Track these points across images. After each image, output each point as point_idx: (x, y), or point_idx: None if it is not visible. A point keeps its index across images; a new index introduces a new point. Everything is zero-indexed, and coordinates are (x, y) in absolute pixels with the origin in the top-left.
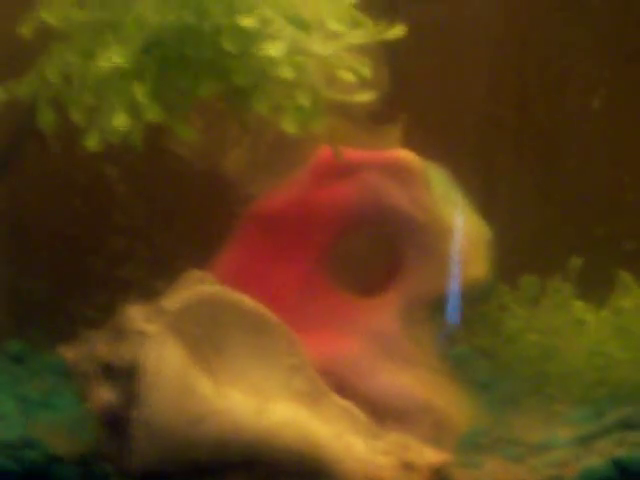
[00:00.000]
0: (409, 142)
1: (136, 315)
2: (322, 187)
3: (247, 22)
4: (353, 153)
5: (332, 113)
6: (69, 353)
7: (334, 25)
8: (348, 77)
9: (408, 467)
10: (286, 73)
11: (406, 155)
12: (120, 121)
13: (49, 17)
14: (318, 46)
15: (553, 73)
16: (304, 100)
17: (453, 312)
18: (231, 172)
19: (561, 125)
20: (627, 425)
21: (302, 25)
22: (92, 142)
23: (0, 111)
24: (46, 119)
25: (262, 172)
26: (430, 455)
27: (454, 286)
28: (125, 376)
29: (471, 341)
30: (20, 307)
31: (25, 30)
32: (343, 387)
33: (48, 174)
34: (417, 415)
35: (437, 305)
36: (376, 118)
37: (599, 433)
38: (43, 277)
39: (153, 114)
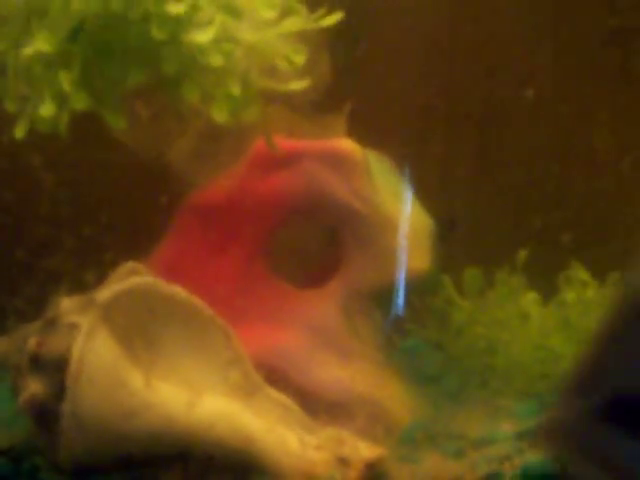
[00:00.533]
0: (352, 131)
1: (67, 307)
2: (260, 177)
3: (176, 9)
4: (292, 143)
5: (273, 102)
6: (0, 346)
7: (265, 12)
8: (281, 65)
9: (342, 462)
10: (215, 60)
11: (346, 145)
12: (47, 110)
13: None
14: (247, 33)
15: (487, 62)
16: (234, 88)
17: (398, 304)
18: (174, 162)
19: (499, 114)
20: None
21: (232, 12)
22: (21, 131)
23: None
24: None
25: (205, 163)
26: (365, 450)
27: (396, 278)
28: (54, 368)
29: (421, 334)
30: None
31: None
32: (279, 380)
33: None
34: (355, 408)
35: (382, 297)
36: (320, 107)
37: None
38: None
39: (80, 103)
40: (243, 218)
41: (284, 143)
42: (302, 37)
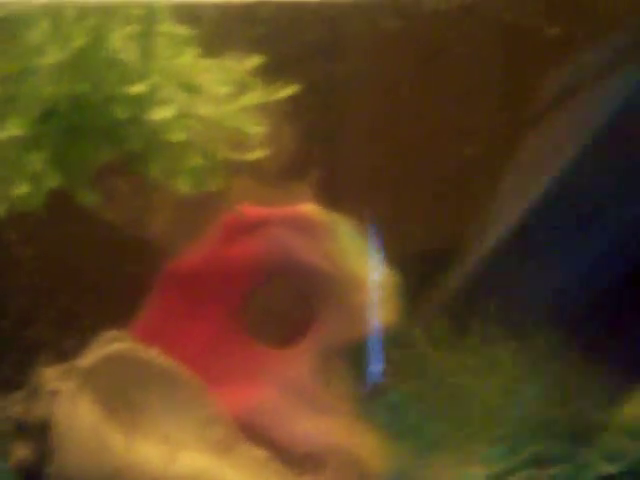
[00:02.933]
0: (318, 196)
1: (49, 375)
2: (232, 243)
3: (137, 89)
4: (258, 210)
5: (238, 172)
6: None
7: (221, 89)
8: (240, 137)
9: None
10: (176, 136)
11: (311, 209)
12: (22, 189)
13: None
14: (206, 109)
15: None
16: (196, 161)
17: (373, 358)
18: (152, 233)
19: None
20: (537, 461)
21: (191, 89)
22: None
23: None
24: None
25: (181, 232)
26: None
27: (367, 332)
28: (39, 434)
29: (399, 387)
30: None
31: None
32: (255, 436)
33: None
34: (328, 459)
35: (356, 352)
36: (286, 174)
37: (511, 470)
38: None
39: (53, 181)
40: (217, 283)
41: (250, 210)
42: (264, 107)
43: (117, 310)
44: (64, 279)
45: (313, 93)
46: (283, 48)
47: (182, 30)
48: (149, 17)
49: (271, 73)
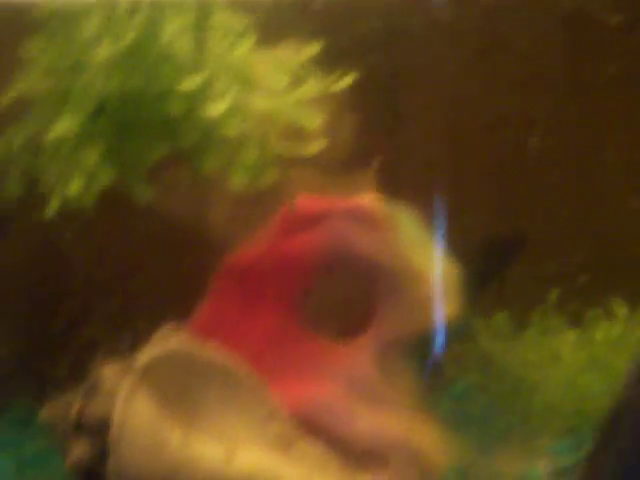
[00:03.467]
0: (380, 186)
1: (107, 373)
2: (291, 236)
3: (190, 84)
4: (318, 202)
5: (298, 164)
6: (45, 414)
7: (277, 81)
8: (297, 129)
9: None
10: (231, 130)
11: (372, 200)
12: (75, 186)
13: (22, 87)
14: (261, 102)
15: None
16: (250, 156)
17: (436, 351)
18: (210, 227)
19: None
20: None
21: (246, 82)
22: (52, 210)
23: None
24: (13, 188)
25: (241, 225)
26: None
27: (429, 326)
28: (97, 432)
29: (464, 378)
30: None
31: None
32: (317, 432)
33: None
34: (390, 455)
35: (419, 346)
36: (349, 164)
37: (576, 465)
38: (9, 343)
39: (107, 177)
40: (276, 277)
41: (311, 203)
42: (322, 98)
43: (174, 306)
44: (119, 276)
45: (372, 82)
46: (341, 38)
47: (237, 20)
48: (203, 8)
49: (328, 63)
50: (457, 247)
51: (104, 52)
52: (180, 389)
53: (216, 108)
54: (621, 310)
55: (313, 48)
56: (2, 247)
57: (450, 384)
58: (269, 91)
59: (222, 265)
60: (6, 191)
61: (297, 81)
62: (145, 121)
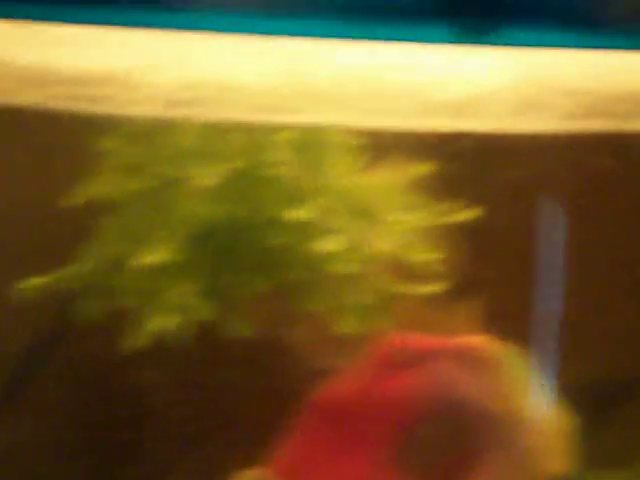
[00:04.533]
0: (488, 322)
1: None
2: (388, 376)
3: (302, 214)
4: (423, 339)
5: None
6: None
7: (394, 215)
8: (415, 267)
9: None
10: (344, 269)
11: (480, 342)
12: (171, 322)
13: (102, 189)
14: (382, 240)
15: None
16: (365, 298)
17: None
18: (299, 348)
19: None
20: None
21: (368, 218)
22: (138, 341)
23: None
24: (90, 311)
25: (332, 345)
26: None
27: None
28: None
29: None
30: None
31: (71, 206)
32: None
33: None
34: None
35: None
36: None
37: None
38: None
39: (205, 313)
40: (369, 417)
41: (414, 339)
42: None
43: (259, 445)
44: (208, 420)
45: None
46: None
47: (351, 139)
48: (314, 127)
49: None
50: (569, 392)
51: (208, 178)
52: None
53: (329, 245)
54: None
55: (423, 169)
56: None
57: None
58: (386, 224)
59: (310, 400)
60: (84, 314)
61: (409, 208)
62: (248, 252)
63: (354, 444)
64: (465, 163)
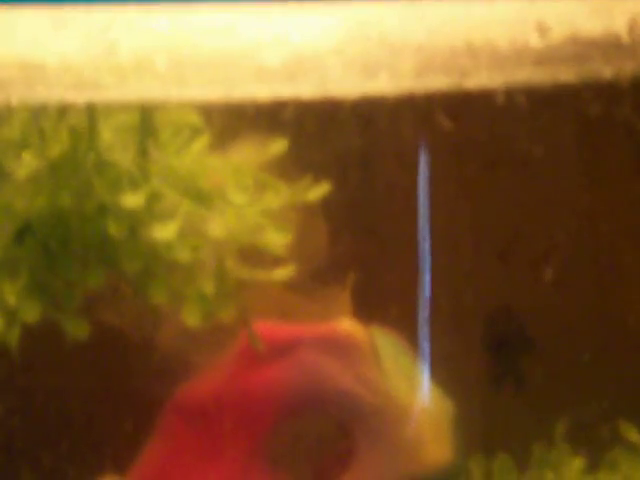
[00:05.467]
0: (357, 306)
1: None
2: (253, 370)
3: (133, 201)
4: (285, 328)
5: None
6: None
7: (236, 197)
8: (262, 250)
9: None
10: (182, 256)
11: (348, 326)
12: None
13: None
14: (218, 224)
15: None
16: (206, 286)
17: None
18: (165, 345)
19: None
20: None
21: (200, 199)
22: None
23: None
24: None
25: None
26: None
27: (414, 473)
28: None
29: None
30: None
31: None
32: None
33: None
34: None
35: None
36: (319, 279)
37: None
38: None
39: (32, 314)
40: (235, 417)
41: (276, 329)
42: (292, 207)
43: (115, 453)
44: (52, 421)
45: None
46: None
47: (188, 120)
48: (147, 107)
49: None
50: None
51: (27, 165)
52: None
53: (163, 230)
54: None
55: (277, 147)
56: None
57: None
58: (228, 206)
59: (170, 401)
60: None
61: (260, 190)
62: (82, 243)
63: (221, 446)
64: (301, 135)
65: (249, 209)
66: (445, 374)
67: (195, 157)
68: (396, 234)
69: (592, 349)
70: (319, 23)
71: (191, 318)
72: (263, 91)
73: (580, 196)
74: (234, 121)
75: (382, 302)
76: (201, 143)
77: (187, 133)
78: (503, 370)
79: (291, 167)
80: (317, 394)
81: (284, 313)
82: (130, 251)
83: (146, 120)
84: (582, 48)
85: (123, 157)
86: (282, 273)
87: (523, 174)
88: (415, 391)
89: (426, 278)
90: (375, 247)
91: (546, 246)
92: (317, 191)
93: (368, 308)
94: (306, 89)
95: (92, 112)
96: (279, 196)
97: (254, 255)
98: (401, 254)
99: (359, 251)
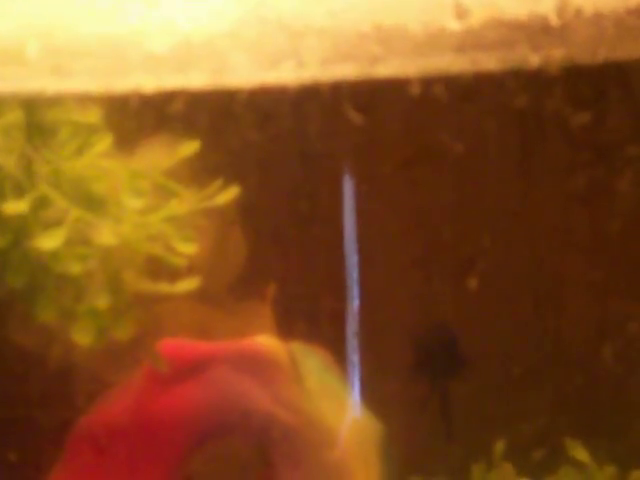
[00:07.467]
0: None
1: None
2: (161, 391)
3: (15, 207)
4: (197, 345)
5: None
6: None
7: (130, 202)
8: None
9: None
10: (71, 268)
11: (265, 342)
12: None
13: None
14: (108, 231)
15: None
16: (99, 301)
17: None
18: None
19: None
20: None
21: (90, 205)
22: None
23: None
24: None
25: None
26: None
27: None
28: None
29: None
30: None
31: None
32: None
33: None
34: None
35: None
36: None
37: None
38: None
39: None
40: (144, 443)
41: (186, 346)
42: (205, 214)
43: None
44: None
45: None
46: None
47: (83, 117)
48: (33, 102)
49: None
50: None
51: None
52: None
53: (49, 239)
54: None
55: (186, 149)
56: None
57: None
58: (124, 212)
59: (75, 428)
60: None
61: (165, 195)
62: None
63: (130, 474)
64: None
65: (149, 216)
66: (374, 393)
67: (91, 160)
68: (305, 240)
69: (526, 363)
70: (210, 5)
71: (82, 336)
72: (149, 82)
73: (508, 196)
74: (132, 120)
75: (306, 316)
76: (103, 145)
77: (85, 133)
78: (429, 389)
79: (188, 168)
80: (230, 415)
81: (199, 329)
82: (15, 263)
83: (32, 118)
84: (506, 33)
85: (6, 160)
86: (186, 285)
87: (443, 173)
88: (341, 412)
89: (353, 290)
90: (295, 259)
91: (471, 252)
92: (225, 196)
93: (291, 323)
94: (197, 78)
95: None
96: (184, 202)
97: (164, 268)
98: (324, 263)
99: (280, 261)
